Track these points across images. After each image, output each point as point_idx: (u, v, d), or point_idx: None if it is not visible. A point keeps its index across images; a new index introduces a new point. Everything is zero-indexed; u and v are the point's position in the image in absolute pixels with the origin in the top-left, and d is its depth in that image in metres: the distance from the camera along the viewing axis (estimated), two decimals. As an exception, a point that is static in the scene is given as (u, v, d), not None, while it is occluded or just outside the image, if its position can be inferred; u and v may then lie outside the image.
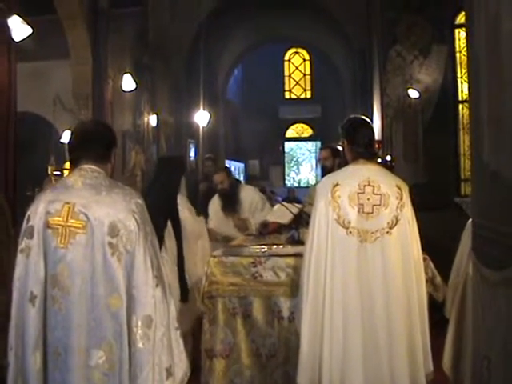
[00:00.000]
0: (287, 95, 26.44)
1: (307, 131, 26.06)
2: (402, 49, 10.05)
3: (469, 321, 3.67)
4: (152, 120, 10.38)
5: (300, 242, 4.81)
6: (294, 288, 4.08)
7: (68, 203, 2.82)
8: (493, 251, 2.49)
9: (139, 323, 2.76)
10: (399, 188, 3.72)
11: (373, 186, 3.69)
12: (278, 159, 25.18)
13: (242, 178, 19.67)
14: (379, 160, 6.81)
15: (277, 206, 6.41)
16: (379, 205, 3.68)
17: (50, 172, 11.68)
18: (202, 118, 13.52)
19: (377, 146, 7.37)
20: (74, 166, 2.97)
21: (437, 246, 5.05)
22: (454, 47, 10.12)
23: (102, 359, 2.76)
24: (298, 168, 26.63)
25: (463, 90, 10.16)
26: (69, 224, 2.80)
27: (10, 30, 5.40)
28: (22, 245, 2.86)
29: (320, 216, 3.68)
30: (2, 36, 5.19)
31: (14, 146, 5.37)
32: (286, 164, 26.28)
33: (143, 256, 2.81)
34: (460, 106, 10.14)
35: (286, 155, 26.22)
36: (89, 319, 2.75)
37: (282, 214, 6.08)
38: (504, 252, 2.32)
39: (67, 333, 2.75)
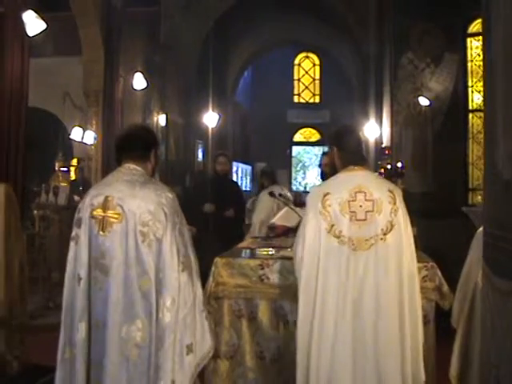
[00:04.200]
0: (296, 99, 26.40)
1: (315, 136, 26.04)
2: (413, 56, 10.04)
3: (477, 330, 3.63)
4: (161, 120, 10.37)
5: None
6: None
7: (108, 197, 3.29)
8: (504, 260, 2.47)
9: (163, 303, 3.15)
10: (391, 192, 3.69)
11: (364, 193, 3.65)
12: (285, 163, 25.13)
13: (248, 181, 19.64)
14: (388, 166, 6.80)
15: (284, 210, 6.41)
16: (372, 211, 3.64)
17: (57, 168, 11.71)
18: (210, 119, 13.52)
19: (387, 151, 7.36)
20: (118, 164, 3.48)
21: (443, 255, 5.04)
22: (465, 56, 10.10)
23: (134, 333, 3.16)
24: (304, 172, 26.60)
25: (473, 99, 10.15)
26: (108, 215, 3.26)
27: (25, 25, 5.41)
28: (72, 233, 3.37)
29: (310, 227, 3.65)
30: (16, 30, 5.19)
31: (25, 140, 5.39)
32: (293, 168, 26.23)
33: (170, 243, 3.20)
34: (470, 115, 10.13)
35: (293, 159, 26.18)
36: (123, 298, 3.18)
37: (289, 217, 6.08)
38: (516, 261, 2.31)
39: (105, 309, 3.18)
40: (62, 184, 12.99)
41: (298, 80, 26.52)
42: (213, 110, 13.53)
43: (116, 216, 3.25)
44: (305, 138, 26.32)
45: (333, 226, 3.63)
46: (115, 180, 3.39)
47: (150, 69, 9.44)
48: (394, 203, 3.69)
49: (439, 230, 8.70)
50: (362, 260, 3.60)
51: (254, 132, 23.12)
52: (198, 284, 3.36)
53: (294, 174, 26.34)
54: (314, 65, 26.45)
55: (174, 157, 10.91)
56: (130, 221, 3.22)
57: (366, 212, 3.64)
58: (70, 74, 11.33)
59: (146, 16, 9.63)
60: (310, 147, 26.53)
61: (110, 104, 7.81)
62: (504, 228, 2.54)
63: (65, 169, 14.49)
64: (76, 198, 13.35)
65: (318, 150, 26.32)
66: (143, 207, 3.24)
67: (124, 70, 8.28)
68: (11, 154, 5.14)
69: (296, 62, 26.46)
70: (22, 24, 5.27)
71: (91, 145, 9.06)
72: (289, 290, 4.32)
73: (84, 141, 10.64)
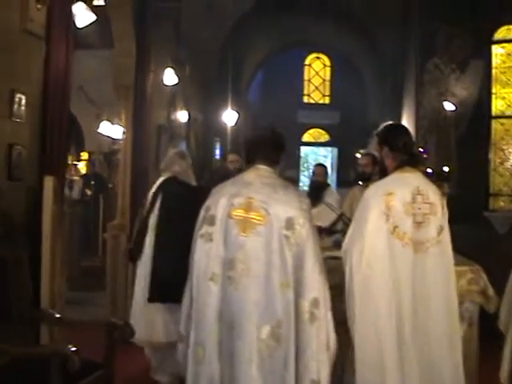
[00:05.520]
0: (306, 99, 26.39)
1: (324, 137, 26.04)
2: (439, 61, 10.05)
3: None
4: (184, 116, 10.35)
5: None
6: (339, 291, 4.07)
7: (250, 198, 3.30)
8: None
9: (308, 304, 3.19)
10: (441, 196, 3.78)
11: (423, 195, 3.70)
12: (294, 163, 25.09)
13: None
14: (429, 170, 6.79)
15: (319, 208, 6.40)
16: (429, 213, 3.68)
17: (69, 161, 11.70)
18: (229, 117, 13.53)
19: (425, 156, 7.37)
20: (248, 164, 3.52)
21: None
22: (490, 63, 10.13)
23: (270, 334, 3.17)
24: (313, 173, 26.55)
25: (497, 105, 10.18)
26: (250, 216, 3.27)
27: (74, 16, 5.41)
28: (201, 230, 3.39)
29: (372, 227, 3.67)
30: (64, 21, 5.18)
31: (66, 131, 5.37)
32: (301, 168, 26.22)
33: (312, 248, 3.23)
34: (493, 121, 10.17)
35: (301, 159, 26.16)
36: (263, 299, 3.18)
37: (321, 217, 6.08)
38: None
39: (242, 309, 3.20)
40: (75, 178, 13.03)
41: (309, 80, 26.50)
42: (232, 108, 13.55)
43: (260, 218, 3.26)
44: (314, 138, 26.32)
45: (396, 227, 3.63)
46: (254, 181, 3.39)
47: (176, 64, 9.41)
48: (443, 207, 3.73)
49: (461, 233, 8.71)
50: (420, 262, 3.63)
51: (264, 131, 23.11)
52: (327, 284, 3.38)
53: (301, 174, 26.32)
54: (325, 66, 26.43)
55: (193, 154, 10.90)
56: (275, 224, 3.23)
57: (424, 214, 3.67)
58: (85, 67, 11.33)
59: (168, 11, 9.57)
60: (318, 148, 26.51)
61: (142, 99, 7.77)
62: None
63: (77, 163, 14.52)
64: (88, 192, 13.39)
65: (325, 151, 26.34)
66: (287, 211, 3.26)
67: (154, 65, 8.24)
68: (54, 146, 5.11)
69: (307, 62, 26.43)
70: (69, 15, 5.24)
71: (120, 139, 9.06)
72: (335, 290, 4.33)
73: (112, 135, 10.70)
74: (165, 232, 5.29)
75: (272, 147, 3.53)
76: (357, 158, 21.86)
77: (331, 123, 25.12)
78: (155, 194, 5.43)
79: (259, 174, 3.42)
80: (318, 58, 26.36)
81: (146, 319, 5.34)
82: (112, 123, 10.52)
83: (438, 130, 9.95)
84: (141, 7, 7.97)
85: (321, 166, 8.20)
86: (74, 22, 5.48)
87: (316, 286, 3.23)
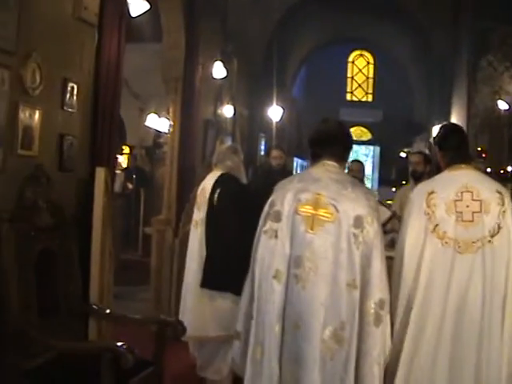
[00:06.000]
0: (348, 97, 26.15)
1: (366, 135, 25.81)
2: (493, 59, 9.78)
3: None
4: (230, 111, 10.22)
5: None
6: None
7: (318, 194, 3.21)
8: None
9: (374, 306, 3.11)
10: (500, 193, 3.52)
11: (471, 192, 3.50)
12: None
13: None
14: (488, 170, 6.57)
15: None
16: (479, 211, 3.47)
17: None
18: (275, 112, 13.39)
19: (483, 155, 7.13)
20: (314, 159, 3.41)
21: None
22: (546, 61, 9.86)
23: (333, 335, 3.08)
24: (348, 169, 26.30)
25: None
26: (319, 213, 3.18)
27: (128, 5, 5.31)
28: (265, 226, 3.28)
29: (412, 226, 3.55)
30: (118, 9, 5.08)
31: (117, 122, 5.28)
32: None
33: (379, 247, 3.16)
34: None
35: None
36: (330, 299, 3.09)
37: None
38: None
39: (309, 308, 3.10)
40: (117, 171, 13.02)
41: (352, 78, 26.26)
42: (277, 104, 13.41)
43: (328, 215, 3.17)
44: (356, 136, 26.05)
45: (437, 225, 3.50)
46: (322, 177, 3.29)
47: (224, 58, 9.30)
48: (503, 204, 3.52)
49: None
50: (467, 263, 3.45)
51: (306, 128, 22.91)
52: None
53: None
54: (368, 63, 26.18)
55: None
56: (344, 222, 3.14)
57: (473, 213, 3.49)
58: (129, 61, 11.26)
59: (215, 4, 9.45)
60: (359, 146, 26.26)
61: (190, 92, 7.66)
62: None
63: (119, 156, 14.52)
64: (129, 185, 13.37)
65: (366, 150, 26.10)
66: (357, 209, 3.16)
67: (203, 58, 8.13)
68: (105, 138, 5.02)
69: (350, 59, 26.19)
70: (123, 4, 5.14)
71: (166, 133, 8.97)
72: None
73: (158, 128, 10.62)
74: (223, 225, 5.17)
75: (341, 143, 3.45)
76: (400, 156, 21.72)
77: (374, 121, 24.86)
78: (213, 189, 5.27)
79: (327, 170, 3.32)
80: (361, 55, 26.14)
81: (194, 314, 5.22)
82: (159, 116, 10.43)
83: (490, 130, 9.68)
84: (189, 0, 7.87)
85: (357, 162, 8.00)
86: (127, 12, 5.37)
87: (382, 287, 3.16)
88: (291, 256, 3.18)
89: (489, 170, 6.45)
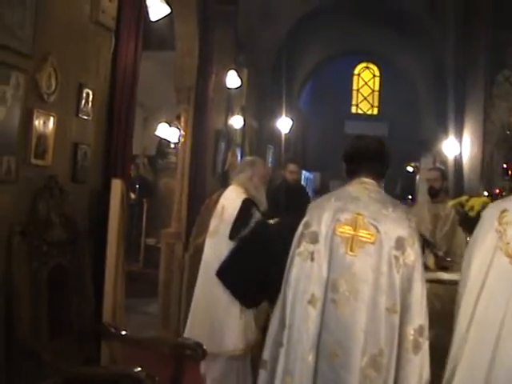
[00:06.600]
0: (354, 110, 25.95)
1: (371, 149, 25.60)
2: (510, 73, 9.57)
3: None
4: (239, 122, 10.00)
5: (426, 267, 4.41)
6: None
7: (358, 214, 3.08)
8: None
9: (413, 332, 2.96)
10: None
11: None
12: (339, 174, 24.65)
13: (311, 191, 19.18)
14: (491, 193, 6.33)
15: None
16: None
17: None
18: (284, 124, 13.18)
19: (510, 172, 6.91)
20: (350, 175, 3.30)
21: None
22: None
23: (371, 362, 2.92)
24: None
25: None
26: (359, 234, 3.03)
27: (146, 9, 5.09)
28: (299, 248, 3.12)
29: (482, 245, 3.24)
30: (135, 14, 4.86)
31: (132, 131, 5.06)
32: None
33: (420, 271, 3.02)
34: None
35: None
36: (369, 324, 2.94)
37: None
38: None
39: (349, 335, 2.94)
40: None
41: (357, 90, 26.06)
42: (286, 115, 13.21)
43: (369, 236, 3.03)
44: (361, 150, 25.86)
45: (507, 243, 3.26)
46: (361, 196, 3.16)
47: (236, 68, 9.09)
48: None
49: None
50: None
51: (311, 140, 22.70)
52: None
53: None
54: (374, 76, 25.99)
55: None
56: (385, 243, 3.00)
57: None
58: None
59: (225, 14, 9.25)
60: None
61: (203, 101, 7.44)
62: None
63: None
64: (132, 195, 13.11)
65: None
66: (398, 230, 3.03)
67: (216, 67, 7.92)
68: (120, 147, 4.79)
69: (356, 72, 26.00)
70: (141, 9, 4.92)
71: (176, 142, 8.73)
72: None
73: (168, 138, 10.37)
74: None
75: (379, 159, 3.34)
76: (407, 171, 21.49)
77: (379, 135, 24.59)
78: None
79: (366, 188, 3.21)
80: (367, 67, 25.93)
81: (205, 328, 4.96)
82: (170, 126, 10.18)
83: (507, 146, 9.44)
84: (203, 8, 7.66)
85: None
86: (144, 17, 5.15)
87: (422, 313, 3.01)
88: (328, 279, 3.02)
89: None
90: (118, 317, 4.47)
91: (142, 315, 7.82)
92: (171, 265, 7.36)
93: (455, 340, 3.21)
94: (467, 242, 5.93)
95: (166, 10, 5.69)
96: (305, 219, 3.20)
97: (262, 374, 3.21)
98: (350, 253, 3.02)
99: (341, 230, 3.07)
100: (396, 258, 2.99)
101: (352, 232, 3.04)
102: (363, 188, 3.20)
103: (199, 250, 5.46)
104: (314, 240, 3.09)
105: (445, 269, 5.66)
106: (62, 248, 3.89)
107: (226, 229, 4.97)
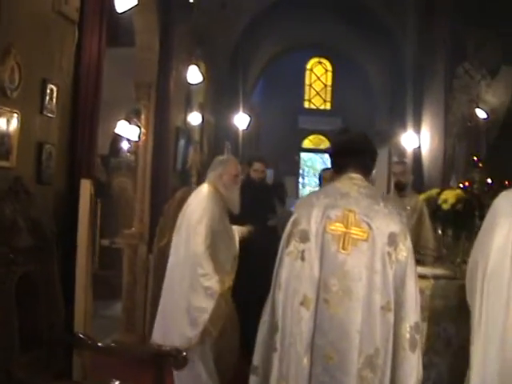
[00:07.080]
0: (306, 105, 25.88)
1: (324, 143, 25.48)
2: (470, 66, 9.55)
3: None
4: (198, 118, 9.75)
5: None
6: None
7: (350, 211, 2.96)
8: None
9: (410, 329, 2.88)
10: None
11: None
12: (293, 169, 24.59)
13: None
14: (489, 181, 6.26)
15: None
16: None
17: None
18: (241, 120, 12.99)
19: (480, 165, 6.86)
20: (338, 171, 3.21)
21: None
22: (523, 69, 9.65)
23: (366, 363, 2.83)
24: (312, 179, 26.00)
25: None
26: (351, 231, 2.93)
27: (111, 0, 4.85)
28: (289, 247, 2.98)
29: (500, 234, 3.25)
30: (99, 5, 4.60)
31: (97, 129, 4.81)
32: (301, 175, 25.76)
33: (413, 265, 2.96)
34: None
35: (300, 166, 25.69)
36: (365, 324, 2.85)
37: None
38: None
39: (344, 337, 2.84)
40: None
41: (310, 85, 25.99)
42: (243, 111, 13.03)
43: (361, 234, 2.92)
44: (314, 144, 25.81)
45: None
46: (350, 191, 3.05)
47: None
48: None
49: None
50: None
51: (265, 136, 22.51)
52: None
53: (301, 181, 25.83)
54: (327, 71, 25.93)
55: (205, 158, 10.31)
56: (378, 240, 2.91)
57: None
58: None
59: (182, 7, 8.99)
60: (315, 155, 26.01)
61: (163, 97, 7.19)
62: None
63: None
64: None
65: (320, 158, 25.83)
66: (390, 226, 2.94)
67: (176, 62, 7.67)
68: (85, 146, 4.54)
69: (308, 67, 25.92)
70: (105, 0, 4.66)
71: (137, 141, 8.44)
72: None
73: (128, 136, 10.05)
74: None
75: (367, 155, 3.26)
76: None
77: (332, 129, 24.55)
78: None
79: (355, 184, 3.10)
80: (319, 62, 25.86)
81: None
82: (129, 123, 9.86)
83: (467, 138, 9.45)
84: (163, 0, 7.42)
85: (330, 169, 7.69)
86: (109, 9, 4.89)
87: (417, 309, 2.96)
88: (320, 279, 2.93)
89: (489, 180, 6.17)
90: (88, 325, 4.21)
91: (101, 319, 7.52)
92: (134, 266, 7.08)
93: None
94: (436, 235, 5.87)
95: (133, 1, 5.44)
96: (293, 217, 3.07)
97: (253, 380, 3.07)
98: (342, 251, 2.93)
99: (332, 227, 2.96)
100: (389, 254, 2.91)
101: (343, 229, 2.95)
102: (352, 184, 3.10)
103: (163, 253, 5.27)
104: (305, 238, 2.97)
105: (417, 262, 5.58)
106: (29, 255, 3.61)
107: (187, 224, 4.73)
